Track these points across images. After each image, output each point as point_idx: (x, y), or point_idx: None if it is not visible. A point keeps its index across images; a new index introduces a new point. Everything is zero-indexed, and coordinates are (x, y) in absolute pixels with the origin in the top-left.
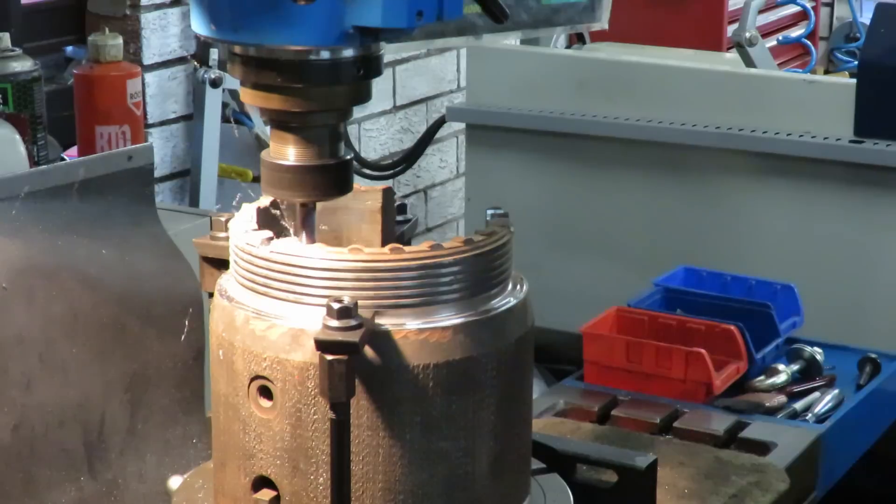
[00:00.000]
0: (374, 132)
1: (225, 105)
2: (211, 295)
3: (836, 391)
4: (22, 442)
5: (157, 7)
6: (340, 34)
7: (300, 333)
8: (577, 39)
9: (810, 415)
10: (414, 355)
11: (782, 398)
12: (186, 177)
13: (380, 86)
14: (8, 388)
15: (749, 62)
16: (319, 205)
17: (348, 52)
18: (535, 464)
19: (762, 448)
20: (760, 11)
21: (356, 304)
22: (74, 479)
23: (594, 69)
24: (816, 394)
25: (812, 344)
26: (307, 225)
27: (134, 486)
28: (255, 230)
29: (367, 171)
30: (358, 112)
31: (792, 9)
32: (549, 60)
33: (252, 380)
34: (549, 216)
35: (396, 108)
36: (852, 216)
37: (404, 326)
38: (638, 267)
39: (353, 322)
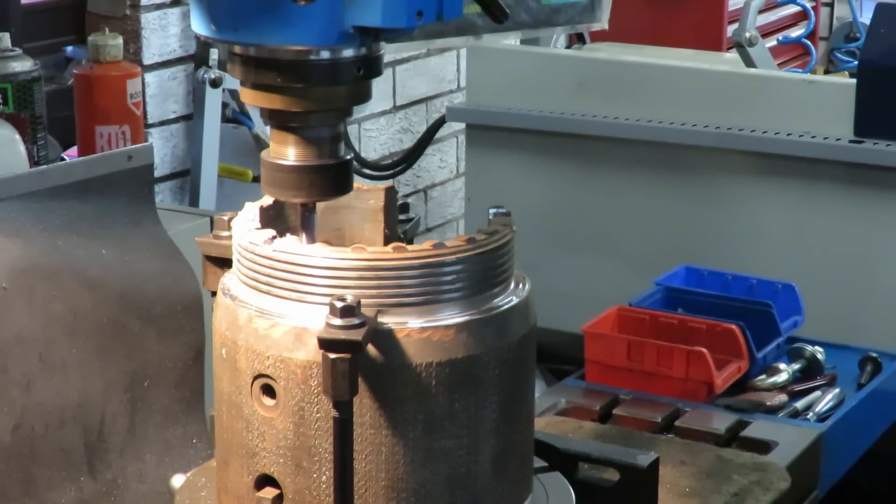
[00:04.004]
0: (374, 132)
1: (225, 105)
2: (214, 294)
3: (837, 390)
4: (22, 442)
5: (157, 7)
6: (340, 34)
7: (303, 332)
8: (577, 39)
9: (811, 414)
10: (416, 354)
11: (783, 397)
12: (186, 177)
13: (380, 86)
14: (8, 388)
15: (749, 62)
16: (321, 204)
17: (348, 52)
18: (537, 462)
19: (763, 447)
20: (760, 11)
21: (359, 302)
22: (74, 479)
23: (594, 69)
24: (817, 393)
25: (813, 343)
26: (307, 225)
27: (134, 486)
28: (258, 229)
29: (367, 171)
30: (358, 112)
31: (792, 9)
32: (549, 60)
33: (255, 378)
34: (549, 216)
35: (396, 108)
36: (852, 216)
37: (407, 325)
38: (639, 266)
39: (355, 320)
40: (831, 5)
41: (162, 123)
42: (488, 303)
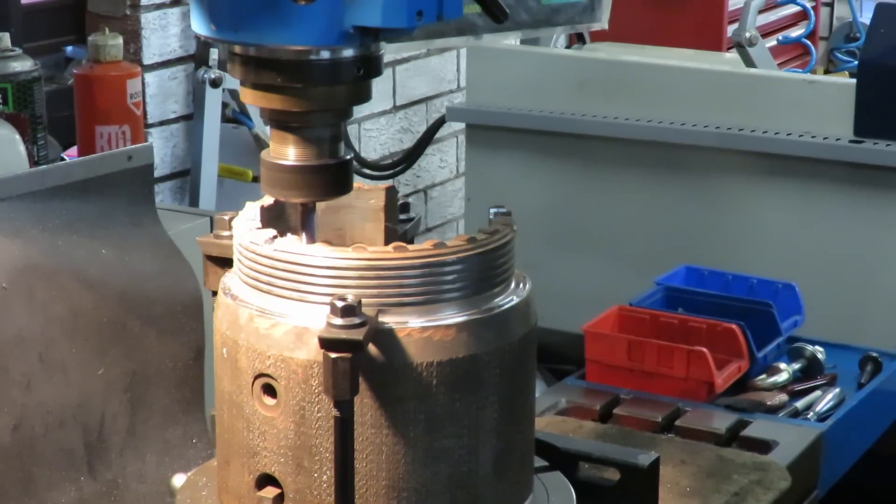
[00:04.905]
0: (374, 132)
1: (225, 105)
2: (214, 293)
3: (838, 390)
4: (22, 442)
5: (157, 7)
6: (340, 34)
7: (304, 331)
8: (577, 39)
9: (812, 413)
10: (417, 353)
11: (784, 397)
12: (186, 177)
13: (380, 86)
14: (8, 388)
15: (749, 62)
16: (322, 204)
17: (348, 52)
18: (538, 462)
19: (764, 446)
20: (760, 11)
21: (360, 302)
22: (74, 479)
23: (594, 69)
24: (818, 392)
25: (813, 343)
26: (307, 225)
27: (134, 486)
28: (259, 228)
29: (367, 171)
30: (358, 112)
31: (792, 9)
32: (549, 60)
33: (256, 378)
34: (549, 216)
35: (396, 108)
36: (852, 216)
37: (408, 324)
38: (639, 266)
39: (356, 320)
40: (831, 5)
41: (162, 123)
42: (489, 302)
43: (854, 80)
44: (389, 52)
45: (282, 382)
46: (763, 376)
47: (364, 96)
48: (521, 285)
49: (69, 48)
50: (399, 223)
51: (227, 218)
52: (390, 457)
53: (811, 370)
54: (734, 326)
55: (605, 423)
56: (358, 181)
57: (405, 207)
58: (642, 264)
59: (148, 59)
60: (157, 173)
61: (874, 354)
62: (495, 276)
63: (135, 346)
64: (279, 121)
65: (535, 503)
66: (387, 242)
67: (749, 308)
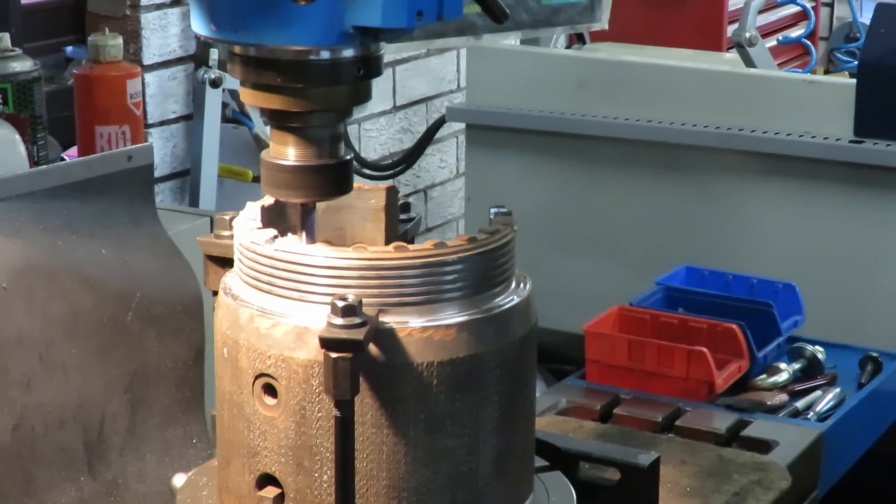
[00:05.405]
0: (374, 132)
1: (225, 105)
2: (215, 293)
3: (838, 390)
4: (22, 442)
5: (157, 7)
6: (340, 34)
7: (304, 331)
8: (577, 39)
9: (812, 413)
10: (418, 353)
11: (784, 397)
12: (186, 177)
13: (380, 86)
14: (8, 388)
15: (749, 62)
16: (322, 204)
17: (348, 52)
18: (538, 462)
19: (764, 446)
20: (760, 11)
21: (360, 301)
22: (74, 479)
23: (594, 69)
24: (818, 392)
25: (813, 343)
26: (307, 225)
27: (134, 486)
28: (260, 228)
29: (367, 171)
30: (358, 112)
31: (792, 9)
32: (549, 60)
33: (256, 378)
34: (549, 216)
35: (396, 108)
36: (852, 216)
37: (408, 324)
38: (639, 266)
39: (357, 320)
40: (831, 5)
41: (162, 123)
42: (489, 302)
43: (854, 80)
44: (389, 52)
45: (282, 382)
46: (763, 376)
47: (364, 96)
48: (522, 285)
49: (69, 48)
50: (399, 223)
51: (227, 218)
52: (391, 456)
53: (811, 370)
54: (734, 326)
55: (605, 423)
56: (358, 181)
57: (405, 207)
58: (642, 264)
59: (148, 59)
60: (157, 173)
61: (874, 354)
62: (496, 276)
63: (135, 346)
64: (279, 121)
65: (535, 503)
66: (388, 242)
67: (749, 308)
